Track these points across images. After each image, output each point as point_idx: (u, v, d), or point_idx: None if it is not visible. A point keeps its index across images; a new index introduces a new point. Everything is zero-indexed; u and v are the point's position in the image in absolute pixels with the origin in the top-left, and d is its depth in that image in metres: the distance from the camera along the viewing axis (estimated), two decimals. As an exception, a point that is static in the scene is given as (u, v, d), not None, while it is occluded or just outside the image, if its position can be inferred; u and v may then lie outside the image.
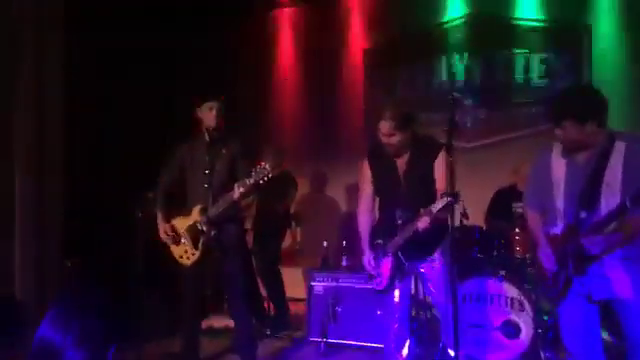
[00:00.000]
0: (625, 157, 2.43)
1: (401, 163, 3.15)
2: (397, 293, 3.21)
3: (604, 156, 2.46)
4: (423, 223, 2.90)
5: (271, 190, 4.67)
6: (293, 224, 4.94)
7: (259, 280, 4.90)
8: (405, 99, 5.55)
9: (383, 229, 3.16)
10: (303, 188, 5.31)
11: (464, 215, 3.55)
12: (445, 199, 2.74)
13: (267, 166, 3.35)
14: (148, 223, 3.55)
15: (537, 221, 2.77)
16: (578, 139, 2.50)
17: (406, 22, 5.70)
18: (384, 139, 3.07)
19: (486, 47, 5.49)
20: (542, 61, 5.31)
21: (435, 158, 3.07)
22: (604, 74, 4.97)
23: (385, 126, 3.03)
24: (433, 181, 3.08)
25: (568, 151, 2.59)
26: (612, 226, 2.39)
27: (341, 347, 3.94)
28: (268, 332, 4.47)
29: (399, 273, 3.13)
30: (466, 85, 5.56)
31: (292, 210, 5.02)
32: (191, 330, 3.68)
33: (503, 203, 4.45)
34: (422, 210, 2.88)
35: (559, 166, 2.61)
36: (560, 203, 2.59)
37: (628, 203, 2.26)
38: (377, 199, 3.31)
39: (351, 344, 3.98)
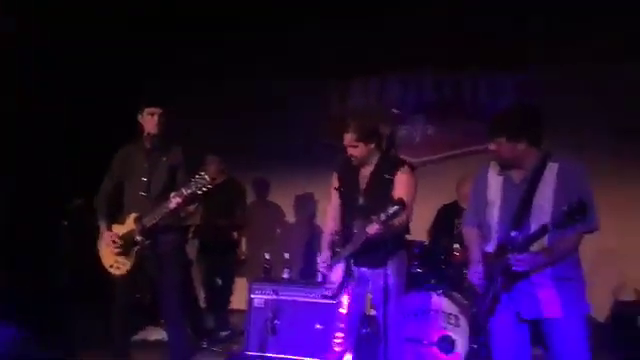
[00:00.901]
0: (557, 178, 2.46)
1: (364, 175, 3.29)
2: (345, 302, 3.22)
3: (536, 177, 2.50)
4: (372, 229, 2.96)
5: (217, 199, 4.61)
6: (235, 234, 4.84)
7: (202, 291, 4.80)
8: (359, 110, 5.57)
9: (342, 238, 3.25)
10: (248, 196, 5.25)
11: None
12: (394, 207, 2.81)
13: (206, 176, 3.28)
14: (74, 232, 3.40)
15: (473, 238, 2.79)
16: (510, 157, 2.54)
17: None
18: (348, 150, 3.24)
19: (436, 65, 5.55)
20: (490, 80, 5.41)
21: (396, 173, 3.20)
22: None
23: (347, 138, 3.21)
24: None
25: (503, 168, 2.63)
26: (537, 246, 2.42)
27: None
28: (204, 345, 4.36)
29: (349, 279, 3.19)
30: (417, 100, 5.61)
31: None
32: (122, 342, 3.55)
33: (446, 219, 4.51)
34: (373, 217, 2.94)
35: (495, 184, 2.64)
36: (494, 221, 2.62)
37: (550, 226, 2.29)
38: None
39: (289, 359, 3.91)
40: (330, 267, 3.22)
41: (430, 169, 5.28)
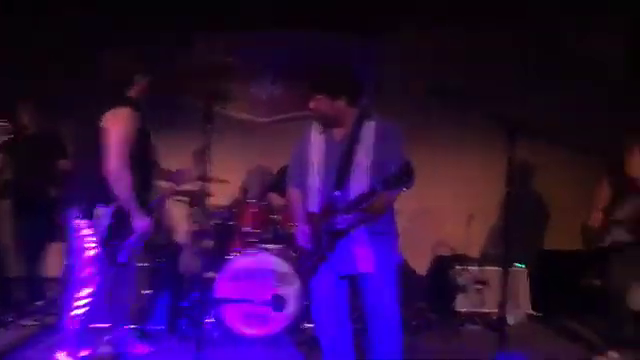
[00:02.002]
0: (375, 137, 2.52)
1: None
2: None
3: (355, 136, 2.53)
4: None
5: (30, 151, 4.06)
6: (53, 192, 4.28)
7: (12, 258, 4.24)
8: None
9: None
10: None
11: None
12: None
13: (6, 123, 2.82)
14: None
15: (297, 198, 2.78)
16: (330, 115, 2.56)
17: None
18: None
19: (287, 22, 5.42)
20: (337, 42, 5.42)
21: None
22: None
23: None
24: None
25: (324, 127, 2.63)
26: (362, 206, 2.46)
27: (101, 331, 3.57)
28: (10, 319, 3.88)
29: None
30: (261, 59, 5.44)
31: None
32: None
33: (284, 179, 4.49)
34: None
35: (317, 143, 2.65)
36: (317, 180, 2.62)
37: (378, 187, 2.32)
38: None
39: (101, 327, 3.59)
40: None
41: (277, 129, 5.21)
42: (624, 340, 3.57)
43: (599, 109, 5.10)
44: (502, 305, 2.74)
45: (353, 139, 2.53)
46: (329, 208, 2.52)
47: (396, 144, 2.50)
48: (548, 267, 4.70)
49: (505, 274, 2.38)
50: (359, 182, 2.48)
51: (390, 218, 2.64)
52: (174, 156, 3.59)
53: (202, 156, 3.41)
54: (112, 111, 2.85)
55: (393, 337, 2.62)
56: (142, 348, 3.36)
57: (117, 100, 2.93)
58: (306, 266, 2.63)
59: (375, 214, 2.50)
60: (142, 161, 2.97)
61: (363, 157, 2.51)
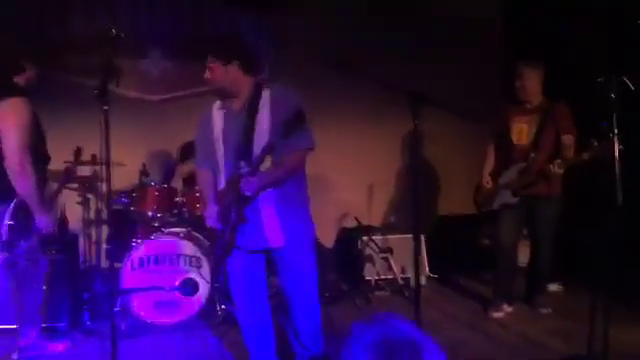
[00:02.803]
0: (271, 104, 2.52)
1: None
2: None
3: (253, 105, 2.52)
4: None
5: None
6: None
7: None
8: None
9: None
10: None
11: None
12: None
13: None
14: None
15: (205, 179, 2.72)
16: (224, 83, 2.53)
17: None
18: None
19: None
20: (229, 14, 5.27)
21: None
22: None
23: None
24: None
25: (221, 98, 2.60)
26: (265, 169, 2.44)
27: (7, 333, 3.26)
28: None
29: None
30: (151, 34, 5.15)
31: None
32: None
33: (188, 158, 4.34)
34: None
35: (218, 119, 2.61)
36: (221, 155, 2.58)
37: (274, 141, 2.32)
38: None
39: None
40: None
41: (173, 106, 4.98)
42: (514, 294, 3.95)
43: (482, 77, 5.50)
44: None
45: (252, 109, 2.52)
46: (235, 178, 2.47)
47: (290, 105, 2.43)
48: (443, 231, 5.04)
49: (416, 241, 2.50)
50: (261, 148, 2.43)
51: (299, 185, 2.61)
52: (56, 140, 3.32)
53: (79, 152, 3.23)
54: (5, 101, 2.64)
55: (312, 311, 2.65)
56: (58, 346, 3.17)
57: (6, 89, 2.71)
58: (221, 245, 2.56)
59: (280, 173, 2.48)
60: (38, 153, 2.78)
61: (263, 124, 2.49)
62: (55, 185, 3.22)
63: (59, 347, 3.19)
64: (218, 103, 2.65)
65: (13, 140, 2.62)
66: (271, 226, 2.52)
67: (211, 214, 2.57)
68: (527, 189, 3.69)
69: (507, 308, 3.86)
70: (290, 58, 5.07)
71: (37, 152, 2.78)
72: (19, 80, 2.82)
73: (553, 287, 4.25)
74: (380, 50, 5.18)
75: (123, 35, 2.60)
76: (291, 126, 2.25)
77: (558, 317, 3.73)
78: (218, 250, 2.57)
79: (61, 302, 3.46)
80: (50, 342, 3.17)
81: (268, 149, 2.35)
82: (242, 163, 2.43)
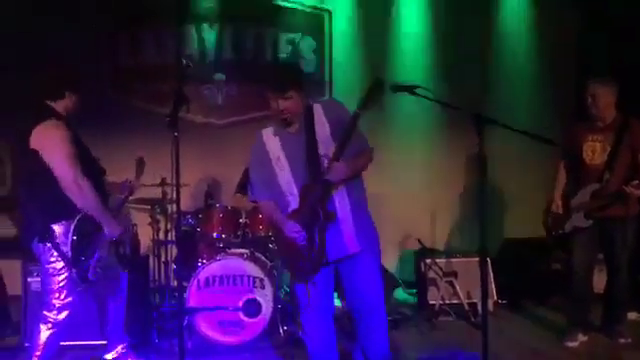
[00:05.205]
0: (325, 115, 2.63)
1: None
2: None
3: (309, 121, 2.62)
4: None
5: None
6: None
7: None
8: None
9: None
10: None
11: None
12: None
13: None
14: None
15: (270, 207, 2.76)
16: (299, 111, 2.61)
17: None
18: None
19: (237, 21, 5.36)
20: (289, 41, 5.42)
21: None
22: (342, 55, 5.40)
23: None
24: None
25: (286, 126, 2.65)
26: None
27: (63, 349, 3.41)
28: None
29: None
30: (216, 59, 5.36)
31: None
32: None
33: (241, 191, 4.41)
34: None
35: (273, 144, 2.67)
36: (288, 178, 2.62)
37: (358, 111, 2.43)
38: None
39: (72, 345, 3.46)
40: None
41: (236, 131, 5.13)
42: (590, 322, 3.73)
43: (552, 95, 5.35)
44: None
45: (308, 125, 2.62)
46: (311, 184, 2.54)
47: (346, 112, 2.60)
48: (510, 255, 4.85)
49: (482, 264, 2.41)
50: (328, 159, 2.53)
51: (364, 191, 2.72)
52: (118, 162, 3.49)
53: (142, 165, 3.34)
54: (39, 127, 2.74)
55: (382, 320, 2.66)
56: None
57: (41, 114, 2.80)
58: (311, 262, 2.56)
59: (360, 166, 2.62)
60: (90, 169, 2.88)
61: (323, 134, 2.60)
62: (119, 197, 3.31)
63: None
64: (271, 129, 2.71)
65: (58, 160, 2.72)
66: (348, 232, 2.57)
67: (293, 228, 2.59)
68: (601, 211, 3.50)
69: (582, 337, 3.65)
70: (355, 78, 5.12)
71: (88, 166, 2.87)
72: (57, 106, 2.88)
73: (632, 316, 3.99)
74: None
75: (191, 65, 2.73)
76: (350, 129, 2.42)
77: (638, 348, 3.49)
78: (307, 264, 2.58)
79: (132, 320, 3.59)
80: (135, 356, 3.26)
81: (355, 119, 2.44)
82: (314, 172, 2.53)
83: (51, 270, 2.77)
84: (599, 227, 3.56)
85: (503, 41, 5.51)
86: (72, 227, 2.74)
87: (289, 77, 2.60)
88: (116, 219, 2.96)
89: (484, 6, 5.48)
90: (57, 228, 2.73)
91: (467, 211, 5.31)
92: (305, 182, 2.59)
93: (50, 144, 2.71)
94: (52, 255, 2.75)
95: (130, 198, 3.35)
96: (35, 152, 2.72)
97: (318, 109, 2.65)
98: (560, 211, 3.73)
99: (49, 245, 2.74)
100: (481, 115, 2.28)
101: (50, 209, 2.74)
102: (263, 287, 3.72)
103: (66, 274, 2.76)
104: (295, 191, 2.62)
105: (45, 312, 2.81)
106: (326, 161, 2.50)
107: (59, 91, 2.88)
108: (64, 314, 2.80)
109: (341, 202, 2.57)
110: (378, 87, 2.42)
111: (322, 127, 2.61)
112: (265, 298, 3.70)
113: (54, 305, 2.79)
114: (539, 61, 5.48)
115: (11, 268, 4.03)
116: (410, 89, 2.32)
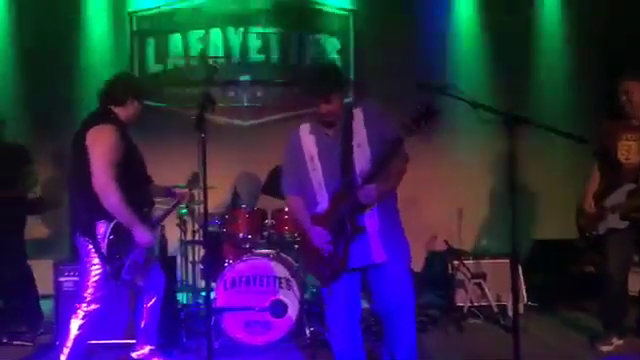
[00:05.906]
0: (364, 118, 2.59)
1: None
2: None
3: (348, 123, 2.60)
4: None
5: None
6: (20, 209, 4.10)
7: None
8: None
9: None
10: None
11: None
12: None
13: None
14: None
15: (297, 204, 2.75)
16: (340, 113, 2.60)
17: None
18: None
19: (263, 24, 5.38)
20: (314, 41, 5.41)
21: None
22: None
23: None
24: None
25: (327, 127, 2.64)
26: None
27: (94, 347, 3.47)
28: (5, 340, 3.75)
29: None
30: (242, 61, 5.38)
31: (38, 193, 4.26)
32: None
33: (278, 180, 4.42)
34: None
35: (309, 142, 2.66)
36: (320, 178, 2.61)
37: (402, 134, 2.36)
38: None
39: (103, 343, 3.51)
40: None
41: (262, 132, 5.14)
42: (625, 326, 3.62)
43: (585, 94, 5.23)
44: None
45: (347, 128, 2.59)
46: (343, 194, 2.52)
47: (382, 118, 2.59)
48: (541, 257, 4.75)
49: (513, 266, 2.36)
50: (362, 160, 2.53)
51: (395, 199, 2.67)
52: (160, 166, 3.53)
53: (196, 180, 3.36)
54: (95, 128, 2.87)
55: (410, 330, 2.61)
56: None
57: (99, 117, 2.94)
58: (333, 267, 2.56)
59: (394, 184, 2.57)
60: (134, 177, 2.96)
61: (360, 138, 2.57)
62: (164, 206, 3.37)
63: None
64: (308, 126, 2.69)
65: (96, 163, 2.82)
66: (375, 241, 2.53)
67: (321, 236, 2.57)
68: (637, 212, 3.40)
69: (617, 341, 3.54)
70: (384, 81, 5.10)
71: (132, 175, 2.95)
72: (118, 111, 3.00)
73: (669, 319, 3.85)
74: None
75: (219, 67, 2.76)
76: (391, 155, 2.36)
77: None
78: (327, 270, 2.58)
79: (161, 320, 3.62)
80: (163, 356, 3.30)
81: (397, 144, 2.39)
82: (347, 178, 2.50)
83: (87, 264, 2.88)
84: (635, 228, 3.45)
85: (532, 40, 5.41)
86: (111, 226, 2.85)
87: (331, 81, 2.57)
88: (154, 228, 3.05)
89: (510, 5, 5.37)
90: (99, 225, 2.85)
91: (495, 211, 5.21)
92: (336, 188, 2.56)
93: (97, 146, 2.83)
94: (90, 250, 2.86)
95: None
96: (86, 150, 2.83)
97: (358, 114, 2.60)
98: (592, 210, 3.63)
99: (89, 240, 2.85)
100: (512, 114, 2.24)
101: (95, 207, 2.83)
102: (289, 288, 3.72)
103: (100, 270, 2.86)
104: (325, 194, 2.60)
105: (77, 304, 2.91)
106: (360, 180, 2.46)
107: (123, 97, 3.00)
108: (94, 306, 2.88)
109: (371, 217, 2.53)
110: (430, 114, 2.29)
111: (359, 131, 2.57)
112: (291, 299, 3.70)
113: (85, 298, 2.89)
114: (570, 59, 5.37)
115: (43, 268, 4.11)
116: (440, 89, 2.28)
